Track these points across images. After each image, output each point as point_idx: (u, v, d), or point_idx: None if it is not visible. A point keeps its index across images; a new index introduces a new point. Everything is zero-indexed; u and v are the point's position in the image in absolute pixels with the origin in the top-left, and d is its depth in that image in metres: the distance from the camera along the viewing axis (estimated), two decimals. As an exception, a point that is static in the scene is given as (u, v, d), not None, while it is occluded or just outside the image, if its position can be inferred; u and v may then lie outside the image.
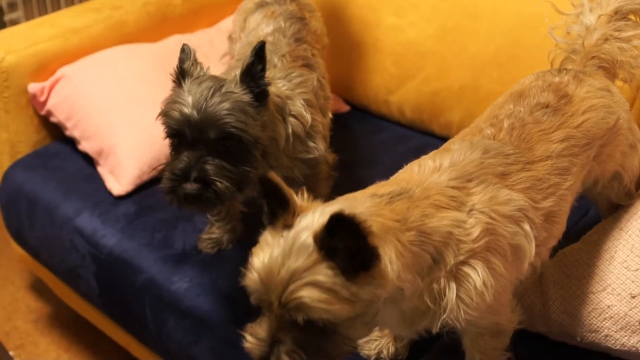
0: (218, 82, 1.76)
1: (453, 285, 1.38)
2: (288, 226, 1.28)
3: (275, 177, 1.28)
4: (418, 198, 1.38)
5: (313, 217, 1.27)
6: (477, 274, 1.38)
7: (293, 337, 1.27)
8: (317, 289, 1.21)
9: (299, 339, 1.27)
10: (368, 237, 1.20)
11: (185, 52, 1.83)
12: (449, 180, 1.44)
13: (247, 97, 1.76)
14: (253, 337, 1.31)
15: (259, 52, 1.76)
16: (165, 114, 1.77)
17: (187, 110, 1.71)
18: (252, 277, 1.28)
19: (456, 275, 1.38)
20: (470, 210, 1.41)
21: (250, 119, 1.75)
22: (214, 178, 1.71)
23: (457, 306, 1.38)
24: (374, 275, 1.24)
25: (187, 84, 1.76)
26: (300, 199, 1.33)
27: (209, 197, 1.72)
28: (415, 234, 1.33)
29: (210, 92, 1.73)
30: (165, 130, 1.77)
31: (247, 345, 1.32)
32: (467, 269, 1.38)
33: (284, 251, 1.24)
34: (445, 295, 1.38)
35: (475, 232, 1.39)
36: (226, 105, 1.72)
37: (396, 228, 1.30)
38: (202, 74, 1.81)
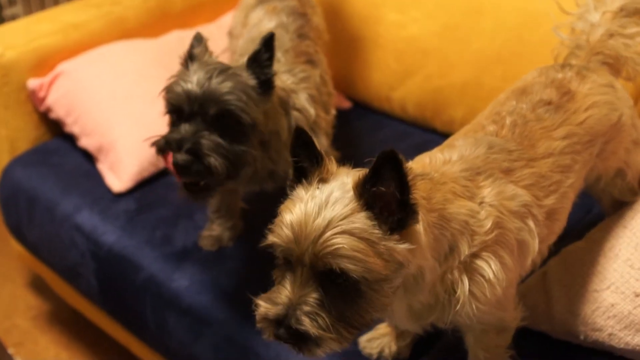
0: (225, 66, 1.78)
1: (465, 279, 1.38)
2: (323, 180, 1.28)
3: (307, 131, 1.28)
4: (438, 182, 1.38)
5: (346, 176, 1.27)
6: (489, 267, 1.38)
7: (316, 299, 1.24)
8: (354, 238, 1.20)
9: (322, 302, 1.24)
10: (412, 189, 1.20)
11: (198, 39, 1.86)
12: (460, 171, 1.45)
13: (252, 82, 1.78)
14: (268, 302, 1.27)
15: (268, 42, 1.79)
16: (167, 90, 1.78)
17: (190, 86, 1.73)
18: (282, 230, 1.25)
19: (468, 268, 1.38)
20: (481, 202, 1.42)
21: (252, 102, 1.77)
22: (207, 152, 1.71)
23: (469, 299, 1.38)
24: (409, 237, 1.24)
25: (193, 66, 1.78)
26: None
27: (199, 170, 1.71)
28: (437, 217, 1.33)
29: (216, 72, 1.75)
30: (165, 105, 1.79)
31: (260, 310, 1.27)
32: (479, 262, 1.38)
33: (320, 201, 1.23)
34: (457, 288, 1.38)
35: (487, 224, 1.39)
36: (229, 84, 1.74)
37: (423, 205, 1.29)
38: (210, 60, 1.82)
